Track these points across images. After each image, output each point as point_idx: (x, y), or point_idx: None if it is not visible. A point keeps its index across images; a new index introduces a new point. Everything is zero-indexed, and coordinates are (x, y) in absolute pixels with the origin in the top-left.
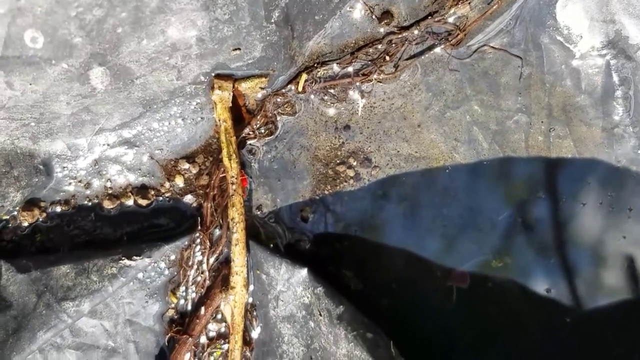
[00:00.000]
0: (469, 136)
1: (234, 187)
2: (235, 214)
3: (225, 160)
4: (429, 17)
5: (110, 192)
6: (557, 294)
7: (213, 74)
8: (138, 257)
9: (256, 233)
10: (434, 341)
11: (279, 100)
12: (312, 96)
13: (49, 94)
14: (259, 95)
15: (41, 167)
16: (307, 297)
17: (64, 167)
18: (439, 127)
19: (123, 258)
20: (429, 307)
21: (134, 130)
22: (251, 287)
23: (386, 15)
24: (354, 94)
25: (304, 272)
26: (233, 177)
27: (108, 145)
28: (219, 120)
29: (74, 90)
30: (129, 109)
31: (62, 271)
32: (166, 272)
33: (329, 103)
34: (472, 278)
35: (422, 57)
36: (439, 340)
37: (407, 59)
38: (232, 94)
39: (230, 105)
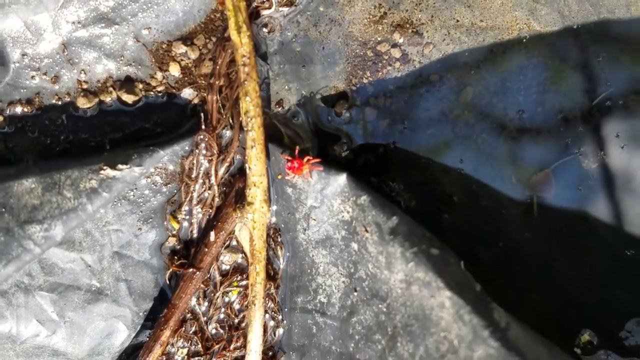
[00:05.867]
0: None
1: (245, 70)
2: (250, 106)
3: (234, 35)
4: None
5: (85, 87)
6: None
7: None
8: (124, 166)
9: (277, 135)
10: (510, 262)
11: None
12: None
13: None
14: None
15: None
16: (348, 212)
17: (23, 55)
18: None
19: (105, 167)
20: (502, 223)
21: (111, 2)
22: (274, 207)
23: None
24: None
25: (342, 178)
26: (244, 56)
27: (79, 23)
28: None
29: None
30: None
31: (25, 186)
32: (164, 189)
33: None
34: (558, 183)
35: None
36: (516, 263)
37: None
38: None
39: None
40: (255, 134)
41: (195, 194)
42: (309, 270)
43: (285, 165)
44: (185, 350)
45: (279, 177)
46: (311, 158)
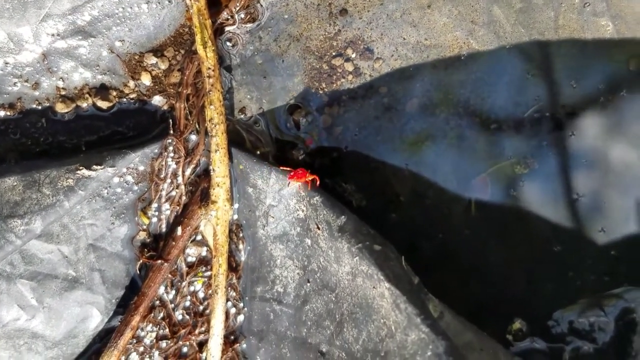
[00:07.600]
0: (488, 17)
1: (210, 81)
2: (214, 114)
3: (200, 49)
4: None
5: (63, 93)
6: (591, 200)
7: None
8: (99, 167)
9: (239, 140)
10: (449, 258)
11: None
12: None
13: None
14: None
15: None
16: (302, 210)
17: (6, 63)
18: (452, 7)
19: (81, 168)
20: (444, 221)
21: (88, 17)
22: (236, 205)
23: None
24: None
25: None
26: (209, 69)
27: (58, 35)
28: (190, 0)
29: None
30: None
31: (8, 184)
32: (135, 187)
33: None
34: (493, 186)
35: None
36: (455, 257)
37: None
38: None
39: None
40: (219, 139)
41: (164, 193)
42: (267, 263)
43: (288, 175)
44: (154, 334)
45: (241, 167)
46: (312, 174)
